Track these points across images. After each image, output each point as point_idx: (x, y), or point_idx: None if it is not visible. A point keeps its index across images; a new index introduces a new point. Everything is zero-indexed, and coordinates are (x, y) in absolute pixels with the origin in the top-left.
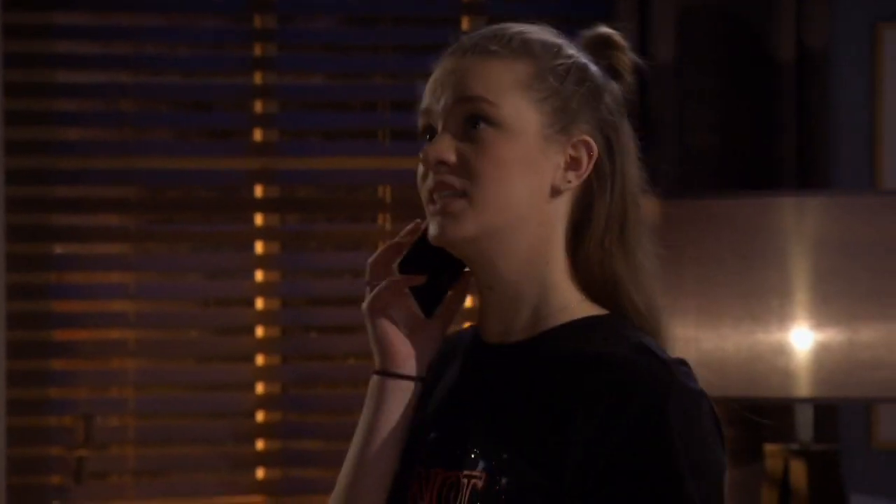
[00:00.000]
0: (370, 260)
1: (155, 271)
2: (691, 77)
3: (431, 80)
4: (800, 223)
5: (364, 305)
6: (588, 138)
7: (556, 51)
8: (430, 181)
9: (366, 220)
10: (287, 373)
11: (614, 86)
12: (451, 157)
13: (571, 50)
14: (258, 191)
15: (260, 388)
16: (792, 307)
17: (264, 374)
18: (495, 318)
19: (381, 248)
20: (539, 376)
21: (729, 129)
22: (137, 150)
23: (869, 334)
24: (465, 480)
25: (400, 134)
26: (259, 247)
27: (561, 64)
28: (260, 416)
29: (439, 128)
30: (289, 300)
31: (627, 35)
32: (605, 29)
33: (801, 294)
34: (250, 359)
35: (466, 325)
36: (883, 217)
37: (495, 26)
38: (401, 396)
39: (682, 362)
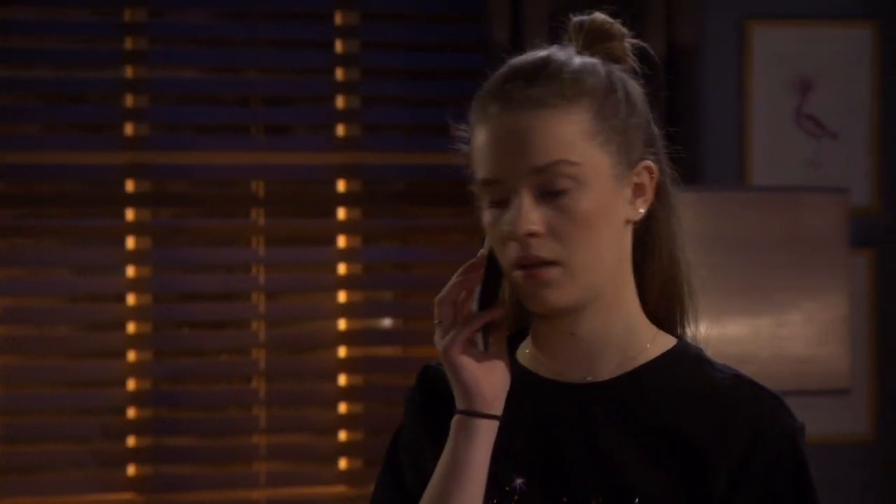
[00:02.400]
0: (438, 299)
1: (24, 267)
2: None
3: (488, 143)
4: None
5: (442, 346)
6: (648, 162)
7: (605, 81)
8: (515, 250)
9: (239, 216)
10: (159, 369)
11: (639, 87)
12: (541, 229)
13: (607, 69)
14: (129, 185)
15: (131, 384)
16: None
17: (136, 370)
18: (572, 360)
19: (447, 285)
20: (649, 413)
21: None
22: (6, 145)
23: (737, 329)
24: None
25: (273, 128)
26: (130, 242)
27: (614, 97)
28: (131, 413)
29: (516, 195)
30: (160, 296)
31: (500, 32)
32: (598, 18)
33: None
34: (121, 355)
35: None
36: (751, 213)
37: (532, 63)
38: (486, 437)
39: (782, 396)
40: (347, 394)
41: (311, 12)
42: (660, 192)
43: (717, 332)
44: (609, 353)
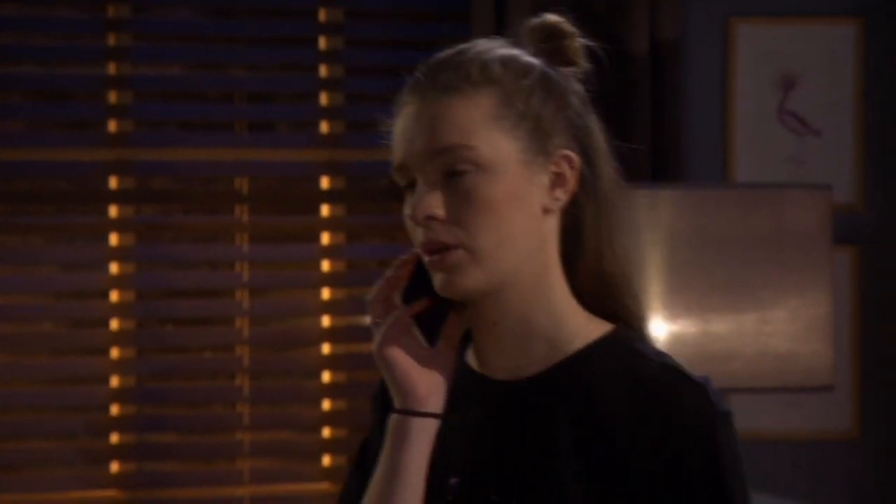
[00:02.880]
0: (369, 297)
1: (7, 264)
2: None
3: (399, 130)
4: (653, 215)
5: (374, 345)
6: (567, 151)
7: (516, 68)
8: (421, 236)
9: (223, 212)
10: (142, 366)
11: (576, 84)
12: (439, 212)
13: (528, 59)
14: (113, 182)
15: (115, 381)
16: (646, 299)
17: (119, 367)
18: (503, 354)
19: (377, 284)
20: (572, 410)
21: None
22: None
23: (720, 326)
24: None
25: (257, 125)
26: (114, 238)
27: (525, 83)
28: (115, 410)
29: (419, 181)
30: (144, 292)
31: (483, 28)
32: (550, 17)
33: (655, 286)
34: (105, 352)
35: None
36: (734, 210)
37: (451, 52)
38: (425, 436)
39: (709, 380)
40: (331, 390)
41: (295, 9)
42: (586, 185)
43: (701, 328)
44: (536, 344)
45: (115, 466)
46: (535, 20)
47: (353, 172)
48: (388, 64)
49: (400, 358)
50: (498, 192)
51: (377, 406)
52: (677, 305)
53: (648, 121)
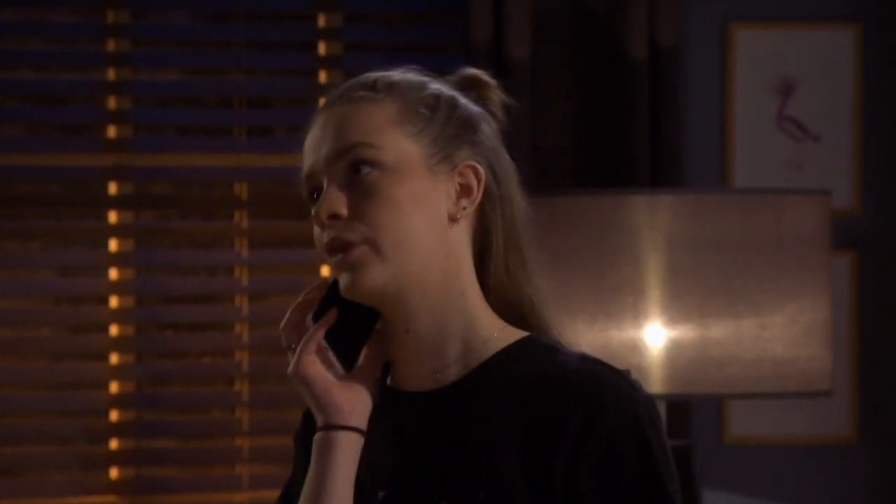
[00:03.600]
0: (281, 325)
1: (6, 268)
2: (545, 74)
3: (307, 141)
4: (652, 220)
5: (290, 370)
6: (472, 163)
7: (421, 85)
8: (326, 237)
9: (221, 217)
10: (141, 371)
11: (488, 116)
12: (343, 210)
13: (437, 84)
14: (112, 187)
15: (114, 386)
16: (645, 304)
17: (118, 372)
18: (416, 363)
19: (288, 312)
20: (494, 410)
21: (582, 127)
22: None
23: (719, 331)
24: None
25: (256, 130)
26: (113, 244)
27: (428, 95)
28: (114, 415)
29: (324, 183)
30: (143, 298)
31: (482, 33)
32: (470, 70)
33: (654, 291)
34: (104, 357)
35: None
36: (733, 215)
37: (359, 77)
38: (350, 451)
39: (629, 372)
40: None
41: (294, 14)
42: (494, 201)
43: (699, 333)
44: (451, 348)
45: (113, 472)
46: (457, 74)
47: None
48: (387, 68)
49: (318, 376)
50: (401, 190)
51: (299, 442)
52: (676, 310)
53: (647, 125)
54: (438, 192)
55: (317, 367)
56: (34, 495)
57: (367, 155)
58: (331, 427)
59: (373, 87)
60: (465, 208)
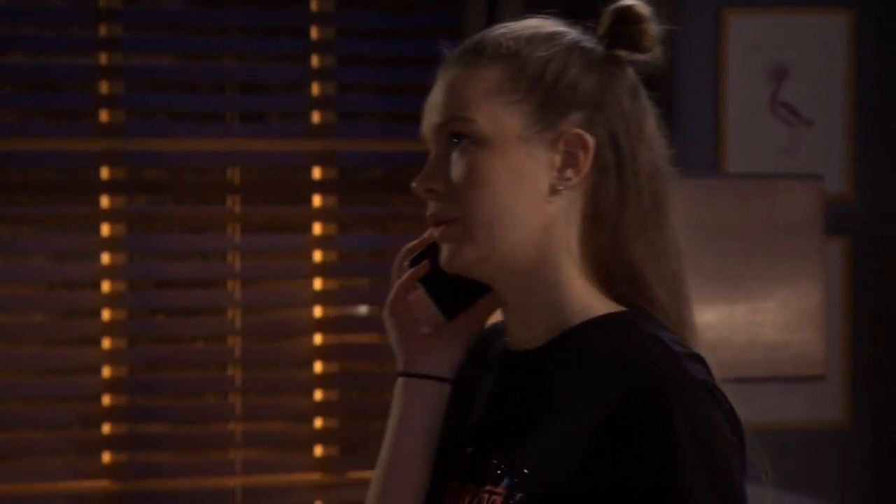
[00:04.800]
0: (394, 266)
1: None
2: None
3: (427, 100)
4: None
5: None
6: (579, 131)
7: (534, 46)
8: (428, 208)
9: (214, 202)
10: (134, 356)
11: (627, 70)
12: (438, 186)
13: (556, 42)
14: (104, 172)
15: (106, 371)
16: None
17: (111, 357)
18: (516, 328)
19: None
20: (552, 383)
21: None
22: None
23: (712, 316)
24: (486, 496)
25: (248, 115)
26: (105, 229)
27: (538, 58)
28: (106, 400)
29: (431, 152)
30: (136, 283)
31: (476, 18)
32: (623, 2)
33: None
34: (97, 342)
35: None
36: (726, 200)
37: (486, 31)
38: (423, 398)
39: (697, 357)
40: (323, 381)
41: None
42: (608, 170)
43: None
44: (541, 320)
45: (106, 456)
46: (609, 7)
47: (345, 163)
48: (379, 54)
49: (401, 322)
50: (495, 166)
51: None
52: None
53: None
54: (539, 163)
55: (403, 311)
56: (27, 480)
57: (464, 129)
58: (404, 374)
59: (482, 50)
60: (568, 179)
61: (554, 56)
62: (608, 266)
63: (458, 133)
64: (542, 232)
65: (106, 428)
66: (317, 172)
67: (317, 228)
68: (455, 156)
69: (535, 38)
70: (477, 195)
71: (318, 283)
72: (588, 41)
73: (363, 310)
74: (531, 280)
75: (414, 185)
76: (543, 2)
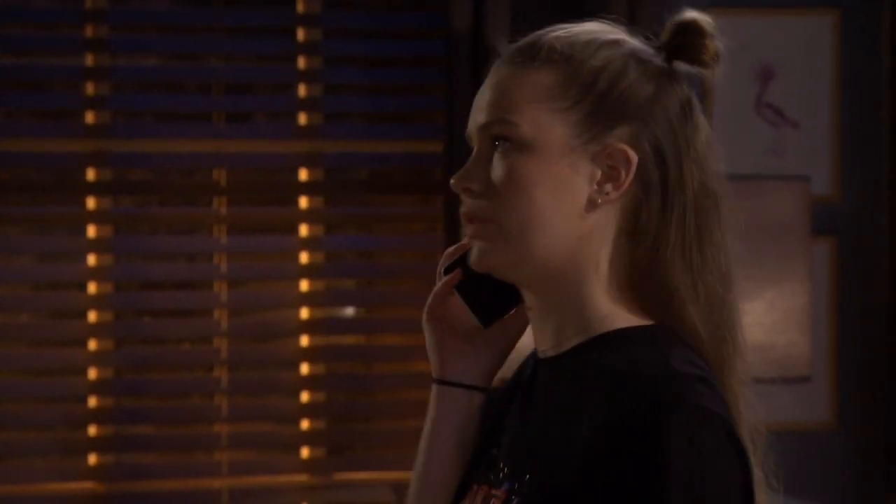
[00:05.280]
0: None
1: None
2: None
3: (475, 98)
4: None
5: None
6: (624, 147)
7: (589, 52)
8: (462, 206)
9: (201, 204)
10: (120, 357)
11: (683, 85)
12: (475, 186)
13: (612, 49)
14: (90, 173)
15: (93, 372)
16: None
17: (97, 358)
18: (539, 334)
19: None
20: (562, 392)
21: None
22: None
23: None
24: (492, 499)
25: (235, 116)
26: (91, 230)
27: (591, 66)
28: (92, 401)
29: (474, 151)
30: (122, 284)
31: (462, 19)
32: (687, 15)
33: None
34: (83, 343)
35: None
36: None
37: (542, 32)
38: (453, 405)
39: (702, 379)
40: (310, 383)
41: (273, 0)
42: (647, 183)
43: None
44: (565, 328)
45: (92, 458)
46: (673, 19)
47: (332, 164)
48: (366, 55)
49: (437, 328)
50: (535, 172)
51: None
52: None
53: None
54: (580, 175)
55: (439, 317)
56: (13, 481)
57: (507, 132)
58: (436, 381)
59: (535, 52)
60: (607, 194)
61: (608, 65)
62: (641, 281)
63: (500, 136)
64: (575, 242)
65: (92, 429)
66: (303, 173)
67: (303, 229)
68: (496, 157)
69: (591, 45)
70: (513, 200)
71: (304, 285)
72: (646, 52)
73: (350, 311)
74: (557, 289)
75: (452, 181)
76: (530, 3)
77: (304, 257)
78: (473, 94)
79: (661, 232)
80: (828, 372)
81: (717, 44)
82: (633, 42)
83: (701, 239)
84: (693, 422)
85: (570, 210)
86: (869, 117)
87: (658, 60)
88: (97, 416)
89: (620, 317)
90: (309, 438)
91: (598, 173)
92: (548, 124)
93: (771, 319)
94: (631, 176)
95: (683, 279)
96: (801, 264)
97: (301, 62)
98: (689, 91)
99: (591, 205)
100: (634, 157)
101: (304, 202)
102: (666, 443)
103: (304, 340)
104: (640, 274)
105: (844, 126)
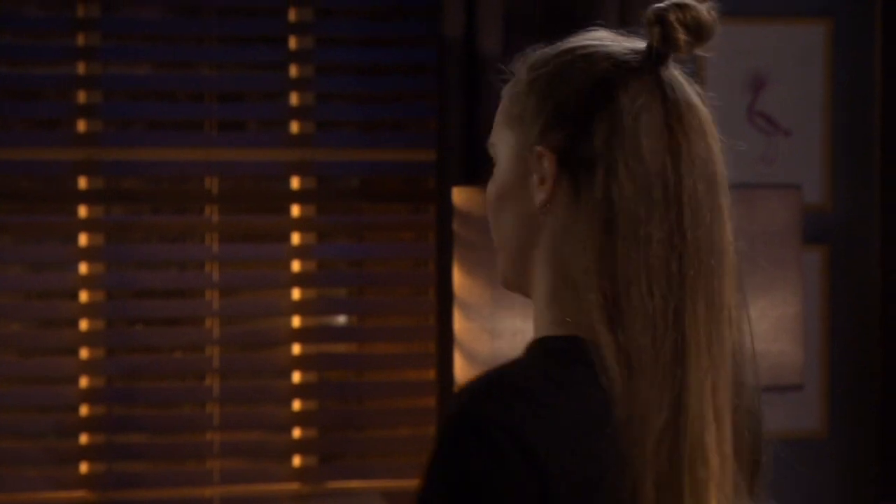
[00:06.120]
0: None
1: None
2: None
3: None
4: None
5: None
6: (543, 150)
7: (537, 62)
8: None
9: (192, 212)
10: (112, 366)
11: (627, 87)
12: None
13: (568, 55)
14: (82, 182)
15: (84, 381)
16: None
17: (88, 367)
18: None
19: None
20: None
21: None
22: None
23: None
24: None
25: (227, 125)
26: (83, 238)
27: (535, 75)
28: (84, 410)
29: None
30: (113, 292)
31: (454, 27)
32: (653, 8)
33: None
34: (74, 352)
35: None
36: None
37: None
38: None
39: (489, 382)
40: (301, 391)
41: (265, 8)
42: (575, 188)
43: None
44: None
45: (84, 467)
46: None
47: (324, 172)
48: (358, 63)
49: None
50: (496, 187)
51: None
52: None
53: None
54: (527, 182)
55: None
56: (4, 490)
57: (491, 154)
58: None
59: (513, 70)
60: (536, 197)
61: (542, 73)
62: (570, 291)
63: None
64: (536, 250)
65: (83, 438)
66: (295, 182)
67: (295, 238)
68: None
69: (548, 55)
70: (490, 215)
71: (296, 293)
72: (612, 57)
73: (342, 319)
74: (533, 302)
75: None
76: (522, 11)
77: (295, 265)
78: (465, 103)
79: (575, 240)
80: (819, 380)
81: (691, 15)
82: (606, 48)
83: (612, 241)
84: (448, 425)
85: (523, 220)
86: (861, 126)
87: (633, 64)
88: (89, 425)
89: (547, 327)
90: (301, 447)
91: (535, 180)
92: (507, 138)
93: (762, 328)
94: (550, 181)
95: (589, 285)
96: (792, 273)
97: (293, 70)
98: (651, 96)
99: (535, 214)
100: (549, 159)
101: (295, 210)
102: (434, 450)
103: (296, 349)
104: (570, 282)
105: (836, 135)
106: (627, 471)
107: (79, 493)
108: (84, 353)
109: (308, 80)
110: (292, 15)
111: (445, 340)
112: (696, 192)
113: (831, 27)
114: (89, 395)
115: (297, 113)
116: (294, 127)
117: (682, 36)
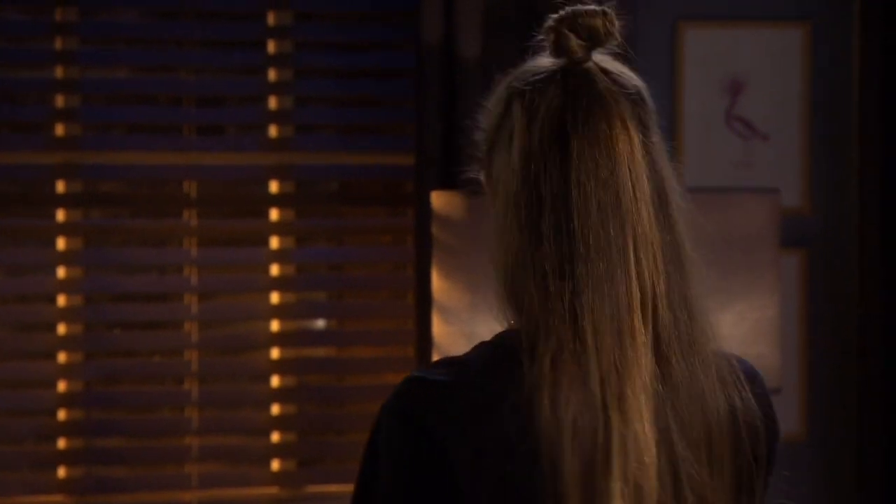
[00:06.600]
0: None
1: None
2: (496, 72)
3: None
4: None
5: None
6: (478, 176)
7: (499, 86)
8: None
9: (171, 216)
10: (90, 370)
11: (523, 100)
12: None
13: (507, 78)
14: (60, 185)
15: (62, 385)
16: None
17: (67, 371)
18: None
19: None
20: None
21: None
22: None
23: None
24: None
25: (205, 129)
26: (61, 242)
27: (492, 100)
28: (62, 414)
29: None
30: (92, 297)
31: (433, 31)
32: (548, 22)
33: None
34: (52, 356)
35: None
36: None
37: None
38: None
39: (418, 376)
40: (280, 395)
41: (244, 12)
42: (507, 206)
43: None
44: None
45: (62, 471)
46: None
47: (303, 176)
48: (337, 67)
49: None
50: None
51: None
52: None
53: None
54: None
55: None
56: None
57: None
58: None
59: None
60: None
61: (492, 100)
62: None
63: None
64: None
65: (62, 442)
66: (274, 185)
67: (274, 242)
68: None
69: (502, 82)
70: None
71: (275, 297)
72: (528, 72)
73: (320, 323)
74: None
75: None
76: (501, 14)
77: (274, 269)
78: (444, 107)
79: (499, 241)
80: (798, 384)
81: (583, 22)
82: (525, 67)
83: (505, 235)
84: (381, 423)
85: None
86: (839, 130)
87: (541, 74)
88: (67, 429)
89: (505, 323)
90: (279, 451)
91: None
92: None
93: (740, 332)
94: (489, 200)
95: (506, 280)
96: (770, 276)
97: (272, 74)
98: (548, 101)
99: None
100: (484, 179)
101: (274, 214)
102: (371, 433)
103: (275, 353)
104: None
105: (814, 139)
106: (528, 438)
107: (57, 497)
108: (62, 357)
109: (287, 83)
110: (271, 19)
111: (424, 344)
112: (586, 189)
113: (809, 31)
114: (67, 399)
115: (276, 117)
116: (273, 131)
117: (574, 43)
